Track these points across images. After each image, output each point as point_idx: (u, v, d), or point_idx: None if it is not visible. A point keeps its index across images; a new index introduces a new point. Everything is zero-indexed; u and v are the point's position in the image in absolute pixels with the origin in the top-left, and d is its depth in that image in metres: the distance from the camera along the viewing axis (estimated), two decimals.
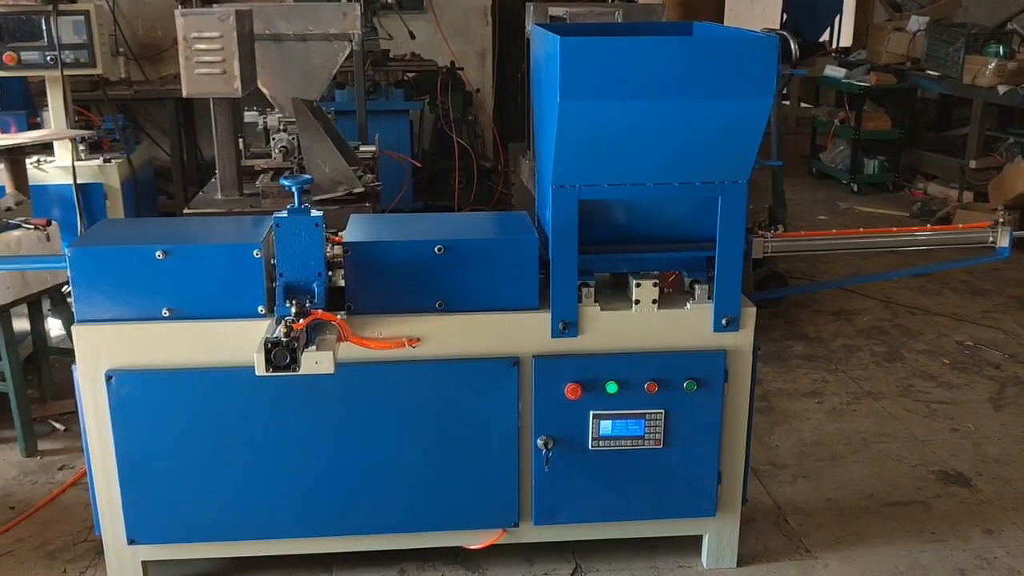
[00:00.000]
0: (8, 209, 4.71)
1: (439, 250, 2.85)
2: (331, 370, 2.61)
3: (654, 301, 2.94)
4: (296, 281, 2.78)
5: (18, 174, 5.34)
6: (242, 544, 3.08)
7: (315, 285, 2.79)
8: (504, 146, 8.73)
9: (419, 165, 7.71)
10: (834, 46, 12.85)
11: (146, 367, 2.86)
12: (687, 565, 3.26)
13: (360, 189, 4.84)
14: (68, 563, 3.29)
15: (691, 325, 2.98)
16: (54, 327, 5.44)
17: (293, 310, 2.60)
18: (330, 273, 2.96)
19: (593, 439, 3.00)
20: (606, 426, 3.00)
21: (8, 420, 4.13)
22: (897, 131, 9.19)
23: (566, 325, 2.92)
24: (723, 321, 2.96)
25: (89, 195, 6.04)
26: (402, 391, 2.94)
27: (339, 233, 3.26)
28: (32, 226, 4.14)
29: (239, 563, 3.20)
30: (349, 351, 2.80)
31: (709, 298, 2.96)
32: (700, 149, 2.73)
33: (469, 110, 9.16)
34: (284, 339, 2.41)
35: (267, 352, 2.41)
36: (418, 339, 2.90)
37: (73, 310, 2.84)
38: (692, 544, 3.28)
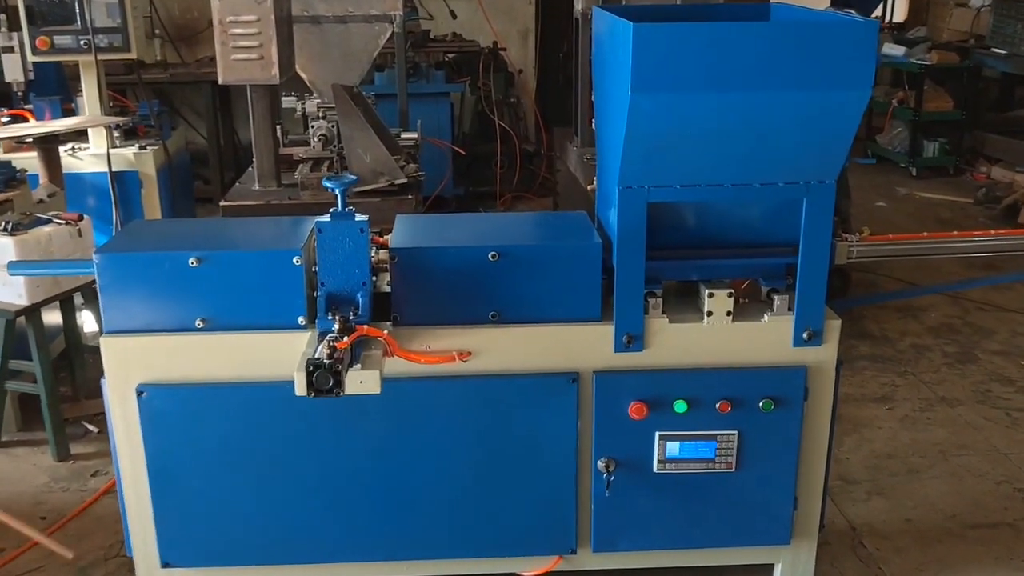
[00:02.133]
0: (40, 201, 4.55)
1: (493, 256, 2.61)
2: (377, 390, 2.39)
3: (728, 313, 2.69)
4: (339, 291, 2.56)
5: (52, 162, 5.19)
6: (281, 569, 2.88)
7: (359, 296, 2.56)
8: (547, 129, 8.44)
9: (462, 152, 7.46)
10: (887, 22, 12.37)
11: (179, 381, 2.66)
12: None
13: (403, 180, 4.61)
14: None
15: (768, 339, 2.72)
16: (88, 321, 5.31)
17: (336, 325, 2.38)
18: (374, 278, 2.75)
19: (659, 462, 2.76)
20: (673, 448, 2.75)
21: (39, 422, 3.98)
22: (959, 112, 8.78)
23: (631, 339, 2.68)
24: (804, 335, 2.69)
25: (124, 183, 5.88)
26: (452, 408, 2.72)
27: (382, 233, 3.04)
28: (64, 221, 3.96)
29: None
30: (395, 365, 2.57)
31: (789, 309, 2.70)
32: (786, 146, 2.46)
33: (511, 92, 8.89)
34: (327, 360, 2.19)
35: (309, 375, 2.19)
36: (470, 353, 2.67)
37: (101, 320, 2.65)
38: (760, 572, 3.03)
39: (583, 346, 2.70)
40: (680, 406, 2.71)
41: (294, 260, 2.59)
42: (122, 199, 5.86)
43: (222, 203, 4.59)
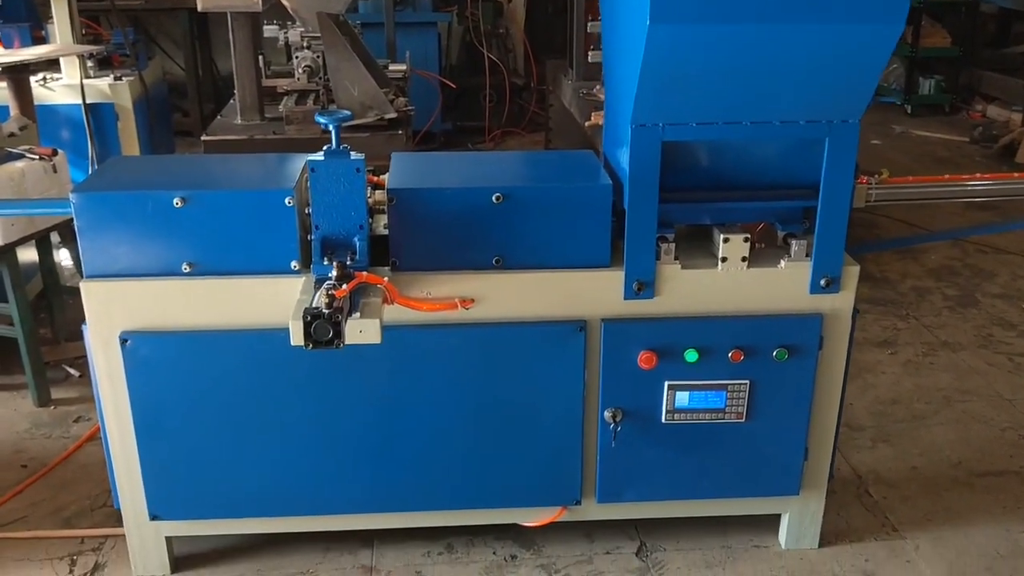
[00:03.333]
0: (11, 135, 4.33)
1: (497, 198, 2.47)
2: (377, 340, 2.26)
3: (743, 258, 2.56)
4: (335, 235, 2.42)
5: (22, 94, 4.94)
6: (275, 520, 2.79)
7: (356, 239, 2.42)
8: (537, 61, 8.20)
9: (453, 86, 7.23)
10: None
11: (165, 329, 2.52)
12: (763, 544, 2.96)
13: (392, 114, 4.42)
14: (85, 533, 3.01)
15: (784, 286, 2.60)
16: (66, 260, 5.13)
17: (334, 271, 2.23)
18: (370, 220, 2.60)
19: (667, 412, 2.66)
20: (682, 398, 2.65)
21: (19, 366, 3.83)
22: (956, 48, 8.61)
23: (641, 285, 2.55)
24: (822, 282, 2.58)
25: (100, 116, 5.64)
26: (453, 357, 2.60)
27: (376, 172, 2.89)
28: (37, 156, 3.76)
29: (272, 536, 2.91)
30: (394, 313, 2.44)
31: (807, 255, 2.58)
32: (811, 83, 2.31)
33: (499, 22, 8.62)
34: (326, 310, 2.06)
35: (307, 325, 2.05)
36: (472, 300, 2.54)
37: (81, 263, 2.50)
38: (767, 522, 2.97)
39: (591, 293, 2.57)
40: (691, 355, 2.60)
41: (286, 201, 2.43)
42: (97, 133, 5.63)
43: (204, 138, 4.40)
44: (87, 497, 3.19)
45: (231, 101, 4.73)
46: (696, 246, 2.64)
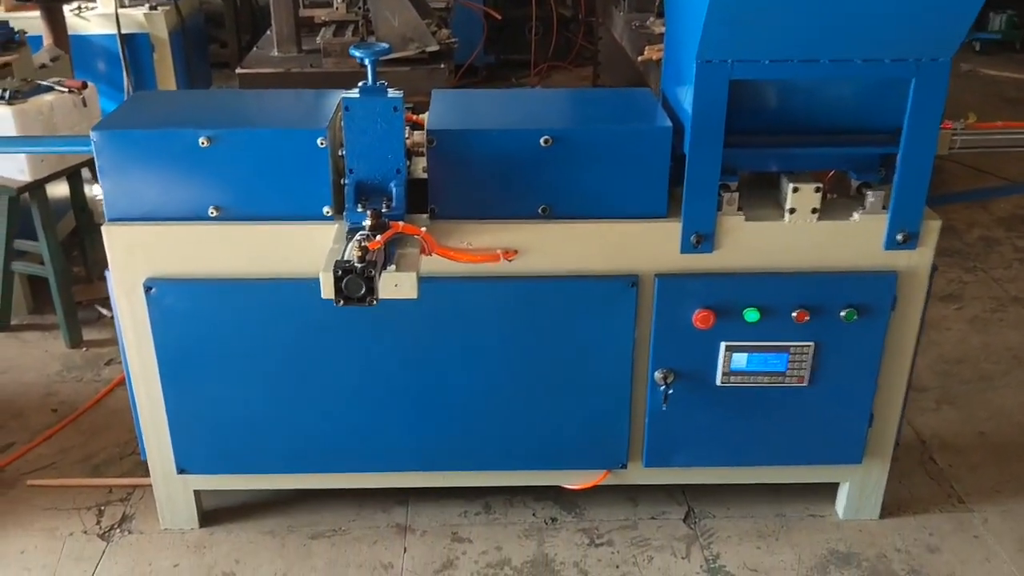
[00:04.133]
0: (43, 67, 4.20)
1: (545, 142, 2.27)
2: (414, 295, 2.09)
3: (814, 210, 2.35)
4: (370, 179, 2.24)
5: (56, 23, 4.81)
6: (306, 477, 2.68)
7: (392, 185, 2.24)
8: None
9: (498, 17, 6.94)
10: None
11: (191, 276, 2.38)
12: (819, 514, 2.79)
13: (434, 47, 4.21)
14: (114, 481, 2.93)
15: (857, 240, 2.39)
16: (99, 194, 5.02)
17: (368, 220, 2.06)
18: (408, 163, 2.42)
19: (723, 374, 2.48)
20: (740, 360, 2.47)
21: (51, 306, 3.74)
22: None
23: (700, 238, 2.35)
24: (898, 236, 2.36)
25: (135, 46, 5.49)
26: (495, 312, 2.43)
27: (415, 110, 2.70)
28: (67, 89, 3.61)
29: (303, 491, 2.81)
30: (432, 264, 2.28)
31: (883, 207, 2.35)
32: (901, 14, 2.07)
33: None
34: (358, 264, 1.89)
35: (337, 280, 1.89)
36: (516, 251, 2.36)
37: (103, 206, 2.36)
38: (824, 490, 2.80)
39: (645, 246, 2.38)
40: (751, 315, 2.41)
41: (318, 141, 2.26)
42: (133, 64, 5.49)
43: (238, 71, 4.22)
44: (116, 444, 3.10)
45: (268, 32, 4.54)
46: (761, 195, 2.43)
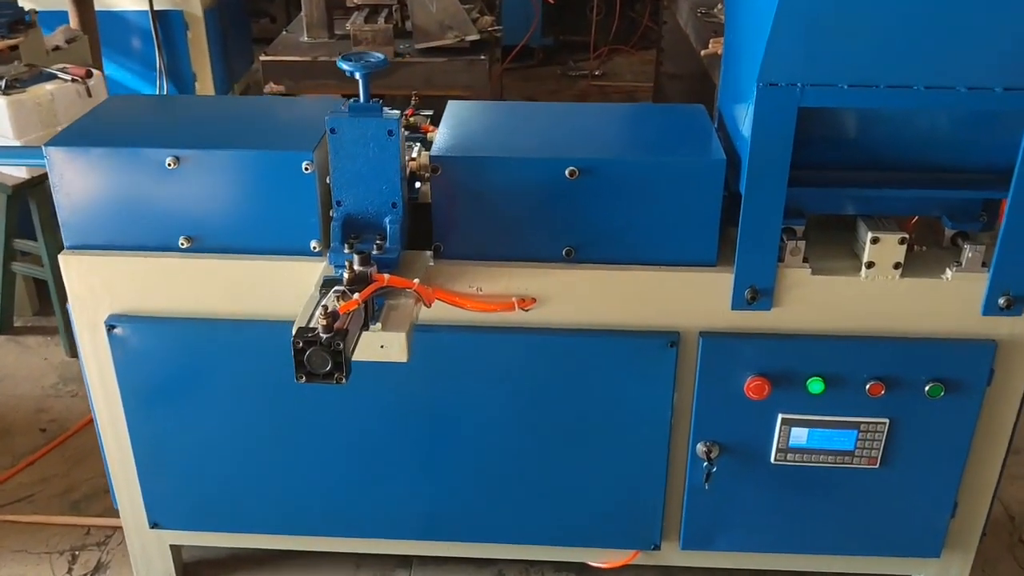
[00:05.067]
0: (56, 49, 3.91)
1: (571, 173, 1.89)
2: (403, 358, 1.76)
3: (897, 265, 1.93)
4: (360, 213, 1.89)
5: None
6: (293, 539, 2.36)
7: (387, 220, 1.89)
8: None
9: (552, 1, 6.51)
10: None
11: (160, 314, 2.07)
12: None
13: (474, 36, 3.83)
14: (92, 521, 2.66)
15: (949, 303, 1.96)
16: None
17: (346, 271, 1.71)
18: (417, 184, 2.07)
19: (778, 451, 2.09)
20: (799, 435, 2.07)
21: (51, 309, 3.49)
22: None
23: (756, 294, 1.95)
24: (1001, 300, 1.93)
25: (168, 24, 5.21)
26: (508, 368, 2.07)
27: (429, 119, 2.35)
28: (70, 77, 3.32)
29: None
30: (437, 310, 1.93)
31: (984, 264, 1.92)
32: (1019, 35, 1.63)
33: None
34: (324, 334, 1.54)
35: (299, 353, 1.54)
36: (534, 299, 2.00)
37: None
38: None
39: (689, 299, 1.99)
40: (816, 385, 2.00)
41: (304, 166, 1.91)
42: (165, 43, 5.21)
43: (262, 58, 3.90)
44: (101, 474, 2.77)
45: (300, 15, 4.21)
46: (831, 242, 2.02)
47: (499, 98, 5.74)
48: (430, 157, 1.92)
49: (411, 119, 2.36)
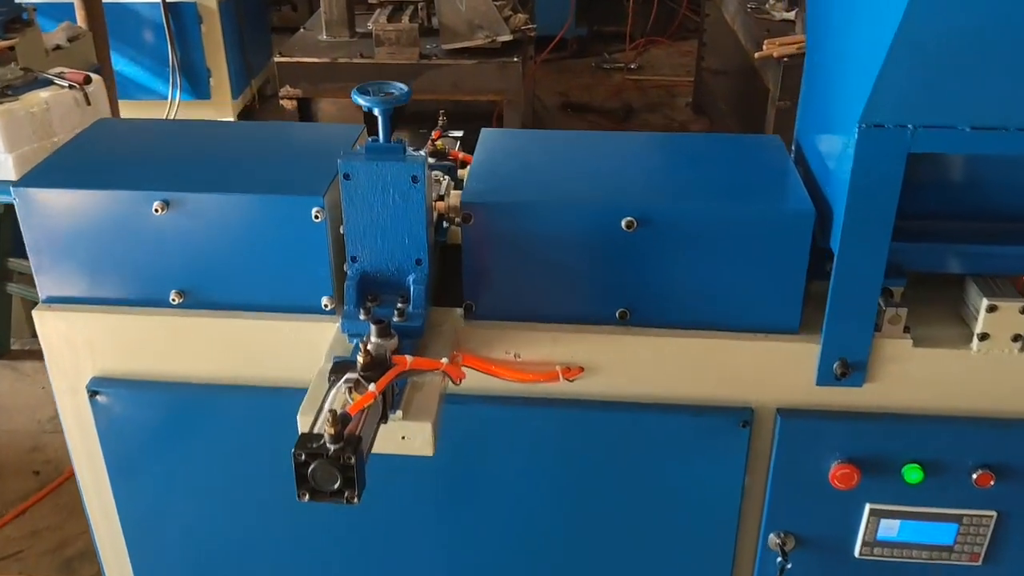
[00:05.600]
0: (57, 48, 3.65)
1: (629, 224, 1.59)
2: (428, 452, 1.48)
3: (1016, 337, 1.62)
4: (379, 271, 1.60)
5: None
6: None
7: (410, 279, 1.60)
8: None
9: None
10: None
11: (148, 377, 1.80)
12: None
13: (507, 36, 3.53)
14: None
15: None
16: None
17: (360, 354, 1.42)
18: (445, 225, 1.78)
19: (864, 544, 1.79)
20: (890, 527, 1.77)
21: None
22: None
23: (847, 368, 1.65)
24: None
25: (181, 17, 4.94)
26: (550, 447, 1.78)
27: (464, 139, 2.07)
28: (67, 83, 3.06)
29: None
30: (466, 380, 1.64)
31: None
32: None
33: None
34: (331, 444, 1.25)
35: (301, 467, 1.26)
36: (581, 368, 1.70)
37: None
38: None
39: (765, 371, 1.69)
40: (913, 473, 1.70)
41: (314, 213, 1.63)
42: (178, 36, 4.94)
43: (276, 59, 3.62)
44: None
45: (318, 11, 3.92)
46: (932, 304, 1.71)
47: (532, 99, 5.43)
48: (462, 203, 1.62)
49: (438, 143, 2.07)
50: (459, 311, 1.71)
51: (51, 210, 1.69)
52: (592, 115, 5.80)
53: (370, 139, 1.56)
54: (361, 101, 1.52)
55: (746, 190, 1.69)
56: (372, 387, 1.34)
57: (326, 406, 1.33)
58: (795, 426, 1.71)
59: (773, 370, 1.69)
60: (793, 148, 1.87)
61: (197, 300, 1.74)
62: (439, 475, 1.81)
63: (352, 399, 1.34)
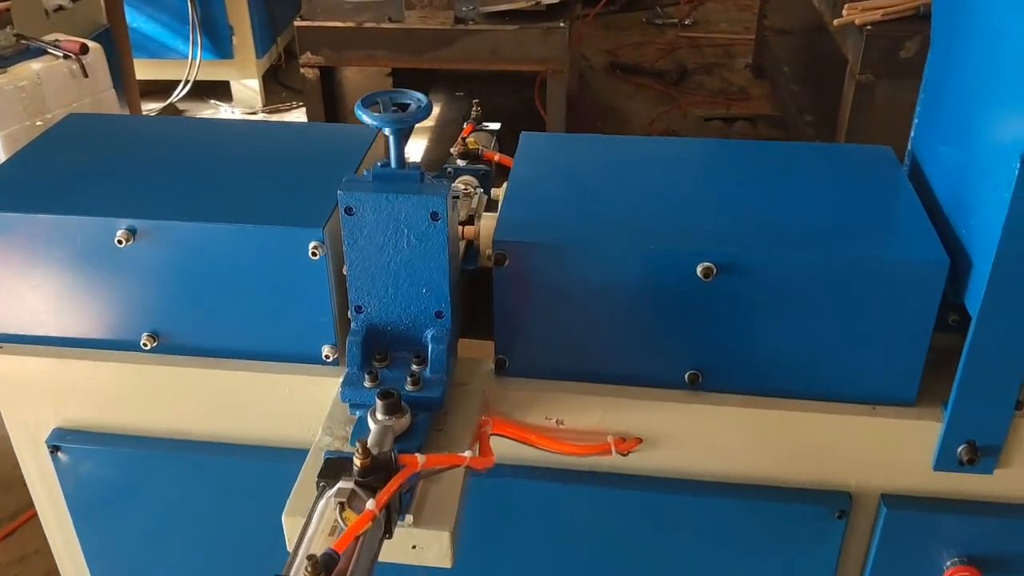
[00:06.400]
0: (59, 9, 3.33)
1: (707, 272, 1.25)
2: (446, 563, 1.17)
3: None
4: (390, 323, 1.28)
5: None
6: None
7: (428, 335, 1.28)
8: None
9: None
10: None
11: (116, 431, 1.51)
12: None
13: None
14: None
15: None
16: None
17: (357, 456, 1.09)
18: (474, 247, 1.46)
19: None
20: None
21: None
22: None
23: (975, 452, 1.30)
24: None
25: None
26: (599, 532, 1.47)
27: (495, 139, 1.76)
28: (62, 53, 2.75)
29: None
30: (497, 446, 1.33)
31: None
32: None
33: None
34: (323, 572, 0.94)
35: None
36: (639, 439, 1.38)
37: None
38: None
39: (869, 450, 1.35)
40: None
41: (311, 248, 1.31)
42: (201, 6, 4.61)
43: (297, 23, 3.28)
44: None
45: None
46: None
47: (578, 61, 5.02)
48: (495, 242, 1.29)
49: (468, 141, 1.73)
50: (490, 367, 1.39)
51: (3, 234, 1.39)
52: (642, 77, 5.39)
53: (379, 164, 1.23)
54: (367, 119, 1.19)
55: (857, 229, 1.33)
56: (371, 504, 1.03)
57: (305, 540, 1.02)
58: (904, 517, 1.37)
59: (880, 449, 1.35)
60: (907, 162, 1.51)
61: (173, 344, 1.43)
62: (457, 563, 1.50)
63: (344, 520, 1.02)
